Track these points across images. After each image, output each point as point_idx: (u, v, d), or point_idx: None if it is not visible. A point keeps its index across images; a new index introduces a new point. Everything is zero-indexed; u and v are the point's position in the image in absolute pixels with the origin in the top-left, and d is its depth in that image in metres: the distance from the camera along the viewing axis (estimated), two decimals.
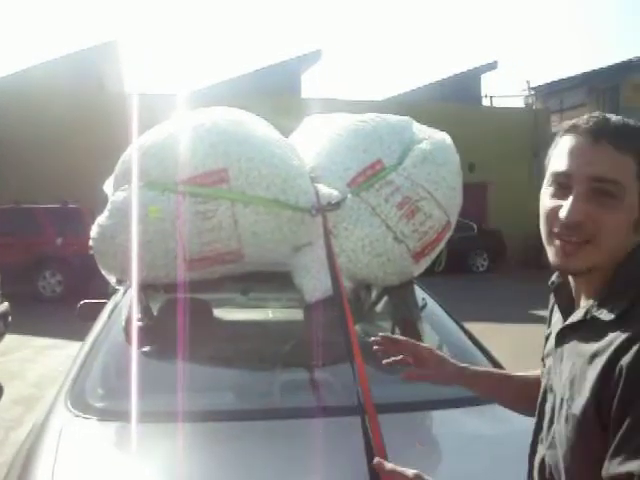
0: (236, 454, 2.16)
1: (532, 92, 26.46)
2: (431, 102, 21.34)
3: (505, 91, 35.13)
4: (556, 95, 25.63)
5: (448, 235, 3.02)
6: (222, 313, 3.87)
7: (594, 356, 1.19)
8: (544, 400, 1.37)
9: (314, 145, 3.07)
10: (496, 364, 2.84)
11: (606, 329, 1.19)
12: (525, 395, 1.61)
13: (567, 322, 1.32)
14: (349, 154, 2.94)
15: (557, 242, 1.26)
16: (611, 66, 23.85)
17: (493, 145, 21.75)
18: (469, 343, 3.02)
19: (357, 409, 1.83)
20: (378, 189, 2.84)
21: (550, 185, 1.30)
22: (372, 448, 1.67)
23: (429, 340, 3.04)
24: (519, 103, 26.80)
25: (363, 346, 2.36)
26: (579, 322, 1.28)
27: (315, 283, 2.76)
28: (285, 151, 2.86)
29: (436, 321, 3.21)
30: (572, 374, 1.24)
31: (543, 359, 1.48)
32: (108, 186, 3.07)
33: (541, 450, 1.34)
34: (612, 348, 1.15)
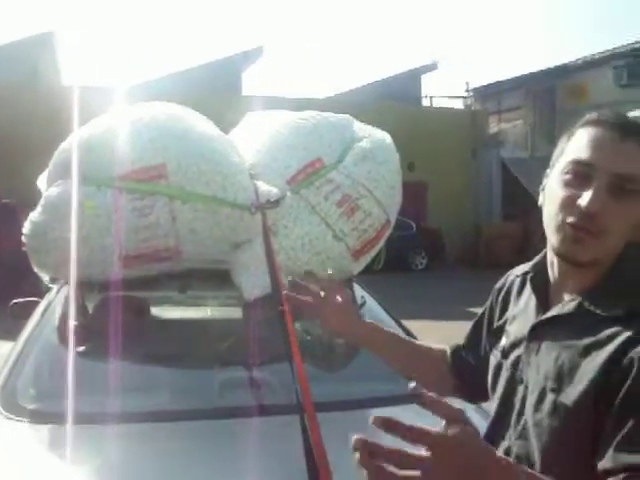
0: (173, 455, 2.13)
1: (471, 93, 26.87)
2: (371, 101, 21.44)
3: (444, 92, 35.60)
4: (494, 97, 26.04)
5: (387, 233, 3.04)
6: (159, 311, 3.82)
7: (590, 348, 1.20)
8: (512, 392, 1.36)
9: (254, 142, 3.05)
10: None
11: (604, 324, 1.21)
12: (435, 369, 1.69)
13: (550, 314, 1.32)
14: (289, 152, 2.93)
15: (569, 230, 1.25)
16: (547, 69, 24.34)
17: (432, 145, 22.00)
18: None
19: (296, 408, 1.82)
20: (318, 187, 2.84)
21: (567, 173, 1.28)
22: (311, 447, 1.66)
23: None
24: (458, 104, 27.18)
25: (302, 344, 2.35)
26: (567, 315, 1.28)
27: (254, 281, 2.74)
28: (225, 147, 2.83)
29: (375, 319, 3.21)
30: (558, 365, 1.24)
31: (489, 350, 1.50)
32: (42, 181, 3.00)
33: (506, 441, 1.34)
34: (618, 341, 1.16)
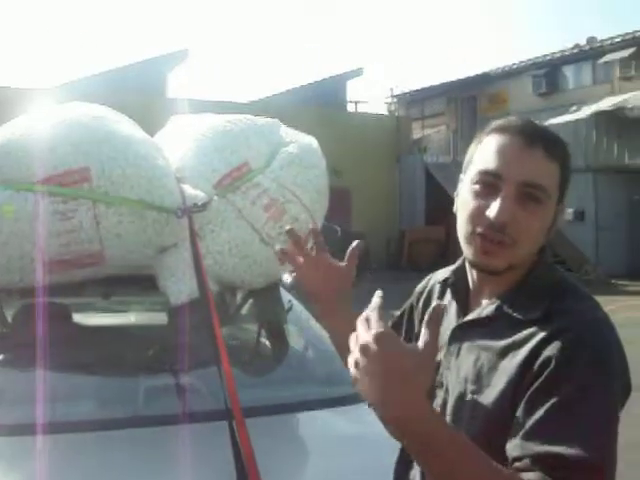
0: (98, 465, 2.08)
1: (395, 99, 27.25)
2: (297, 106, 21.52)
3: (370, 98, 36.05)
4: (418, 103, 26.56)
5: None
6: (82, 318, 3.73)
7: (508, 349, 1.23)
8: (432, 396, 1.37)
9: (180, 145, 3.01)
10: None
11: (521, 325, 1.24)
12: None
13: (470, 318, 1.36)
14: (216, 155, 2.91)
15: (479, 240, 1.28)
16: (468, 77, 24.93)
17: (357, 150, 22.23)
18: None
19: (224, 414, 1.80)
20: (245, 191, 2.82)
21: (475, 183, 1.30)
22: (240, 452, 1.65)
23: (295, 342, 3.06)
24: (383, 110, 27.54)
25: (230, 349, 2.34)
26: (486, 318, 1.31)
27: (180, 286, 2.70)
28: (150, 151, 2.79)
29: (301, 324, 3.22)
30: (477, 367, 1.28)
31: None
32: None
33: None
34: (534, 342, 1.20)
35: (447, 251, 19.65)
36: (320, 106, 22.72)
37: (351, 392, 2.60)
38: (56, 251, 2.61)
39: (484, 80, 24.69)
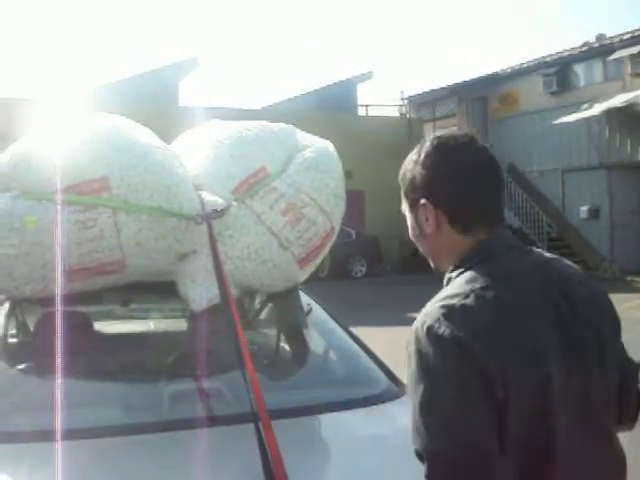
0: (126, 470, 2.10)
1: (406, 102, 27.21)
2: (308, 111, 21.57)
3: (380, 101, 36.05)
4: (429, 105, 26.51)
5: (332, 241, 3.06)
6: (102, 326, 3.76)
7: None
8: None
9: (197, 153, 3.04)
10: (382, 366, 2.90)
11: None
12: None
13: None
14: (233, 162, 2.93)
15: None
16: (479, 78, 24.85)
17: (369, 153, 22.20)
18: (355, 347, 3.06)
19: (249, 417, 1.82)
20: (262, 196, 2.85)
21: None
22: (267, 455, 1.67)
23: (316, 345, 3.07)
24: (394, 112, 27.51)
25: (252, 353, 2.36)
26: None
27: (201, 292, 2.72)
28: (167, 158, 2.82)
29: (322, 326, 3.24)
30: None
31: None
32: None
33: None
34: None
35: None
36: (331, 110, 22.75)
37: (371, 393, 2.63)
38: (77, 260, 2.64)
39: (494, 80, 24.58)
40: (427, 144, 1.52)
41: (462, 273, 1.43)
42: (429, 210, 1.48)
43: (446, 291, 1.41)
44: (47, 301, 2.81)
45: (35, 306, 3.00)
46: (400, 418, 2.19)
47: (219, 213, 2.69)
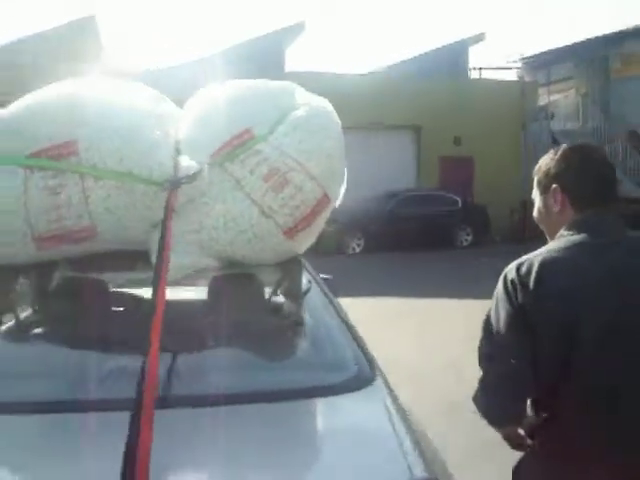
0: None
1: (519, 64, 26.03)
2: (416, 75, 21.02)
3: (492, 63, 34.62)
4: (543, 67, 25.19)
5: (327, 209, 2.80)
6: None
7: None
8: None
9: (192, 115, 2.87)
10: (362, 350, 2.64)
11: None
12: None
13: None
14: (219, 123, 2.74)
15: None
16: (599, 37, 23.39)
17: (480, 118, 21.39)
18: (340, 330, 2.80)
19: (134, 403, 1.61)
20: (243, 160, 2.63)
21: None
22: (134, 448, 1.47)
23: (298, 326, 2.82)
24: (507, 76, 26.39)
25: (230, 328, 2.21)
26: None
27: (173, 262, 2.55)
28: (147, 122, 2.64)
29: (314, 308, 2.97)
30: None
31: None
32: None
33: None
34: None
35: None
36: (441, 74, 22.06)
37: (333, 382, 2.37)
38: (46, 227, 2.54)
39: (618, 39, 23.04)
40: (564, 146, 2.02)
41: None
42: (557, 193, 1.94)
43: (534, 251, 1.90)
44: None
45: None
46: (349, 414, 2.02)
47: (188, 178, 2.50)
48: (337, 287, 4.94)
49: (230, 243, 2.62)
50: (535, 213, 2.05)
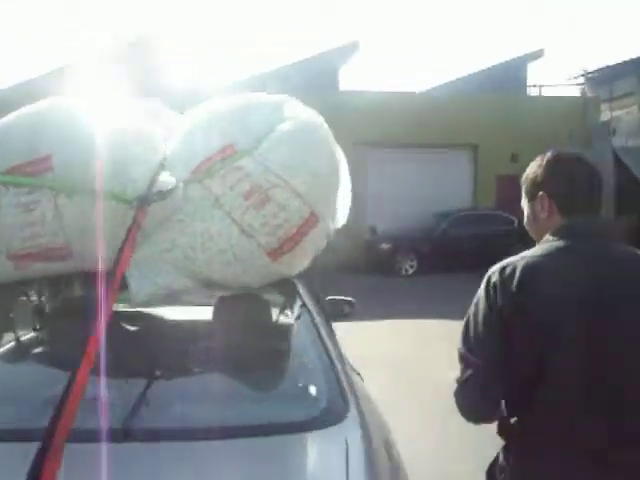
0: None
1: (581, 80, 25.37)
2: (470, 93, 20.70)
3: (551, 80, 33.95)
4: (606, 83, 24.47)
5: (318, 230, 2.62)
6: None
7: None
8: None
9: (182, 130, 2.77)
10: (338, 383, 2.39)
11: None
12: None
13: None
14: (203, 138, 2.63)
15: None
16: None
17: (538, 136, 20.92)
18: (320, 360, 2.52)
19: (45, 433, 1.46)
20: (224, 175, 2.50)
21: None
22: None
23: (276, 354, 2.63)
24: (568, 92, 25.74)
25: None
26: None
27: (143, 283, 2.44)
28: (124, 139, 2.54)
29: (296, 336, 2.77)
30: None
31: None
32: None
33: None
34: None
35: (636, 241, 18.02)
36: (498, 91, 21.65)
37: (297, 419, 2.15)
38: (20, 245, 2.46)
39: None
40: (548, 155, 2.00)
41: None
42: (544, 200, 1.96)
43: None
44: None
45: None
46: (301, 456, 1.90)
47: (159, 196, 2.38)
48: (358, 310, 4.75)
49: (207, 263, 2.48)
50: (524, 219, 2.08)
